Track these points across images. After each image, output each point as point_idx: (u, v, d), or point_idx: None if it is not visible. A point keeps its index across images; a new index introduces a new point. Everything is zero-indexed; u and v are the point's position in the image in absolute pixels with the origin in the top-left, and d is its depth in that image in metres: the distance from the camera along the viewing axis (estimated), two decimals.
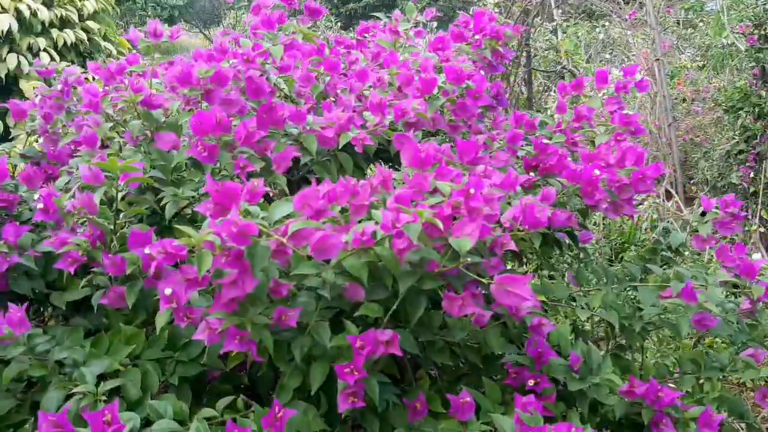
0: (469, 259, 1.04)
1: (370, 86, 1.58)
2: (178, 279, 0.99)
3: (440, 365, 1.39)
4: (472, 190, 1.08)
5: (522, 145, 1.59)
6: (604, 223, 3.83)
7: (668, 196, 4.44)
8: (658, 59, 5.02)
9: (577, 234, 1.62)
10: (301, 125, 1.36)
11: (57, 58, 4.30)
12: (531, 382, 1.23)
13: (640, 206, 3.88)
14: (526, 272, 2.36)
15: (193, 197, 1.33)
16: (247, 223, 0.93)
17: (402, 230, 1.04)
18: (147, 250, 1.08)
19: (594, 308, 1.45)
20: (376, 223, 1.08)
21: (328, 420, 1.17)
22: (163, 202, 1.33)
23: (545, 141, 1.56)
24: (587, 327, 1.76)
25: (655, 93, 5.08)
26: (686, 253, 1.55)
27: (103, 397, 1.05)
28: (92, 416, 0.91)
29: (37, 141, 1.81)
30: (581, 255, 2.02)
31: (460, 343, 1.27)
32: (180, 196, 1.33)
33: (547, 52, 5.19)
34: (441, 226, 1.04)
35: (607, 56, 6.70)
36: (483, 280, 1.06)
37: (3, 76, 4.11)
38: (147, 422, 1.05)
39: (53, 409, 1.07)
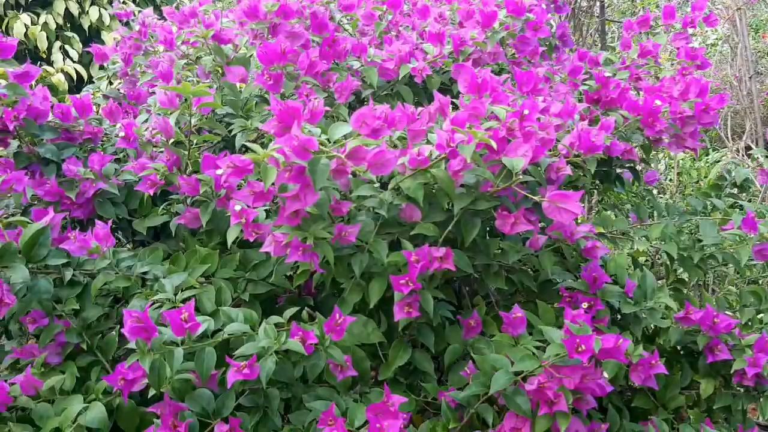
0: (521, 177, 1.07)
1: (432, 22, 1.61)
2: (246, 193, 1.06)
3: (496, 291, 1.43)
4: (526, 111, 1.11)
5: (584, 80, 1.60)
6: (680, 180, 3.74)
7: (748, 152, 4.27)
8: (739, 8, 4.79)
9: (641, 171, 1.62)
10: (362, 58, 1.40)
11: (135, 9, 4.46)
12: (585, 305, 1.25)
13: (718, 163, 3.75)
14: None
15: (259, 129, 1.40)
16: (307, 138, 0.98)
17: (456, 149, 1.07)
18: (219, 171, 1.16)
19: (653, 240, 1.45)
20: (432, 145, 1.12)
21: (386, 336, 1.24)
22: (233, 133, 1.41)
23: (607, 74, 1.55)
24: (646, 263, 1.75)
25: (736, 43, 4.85)
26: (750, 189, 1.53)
27: (181, 305, 1.14)
28: (171, 314, 1.00)
29: (118, 85, 1.92)
30: (647, 198, 2.01)
31: (516, 267, 1.30)
32: (248, 128, 1.40)
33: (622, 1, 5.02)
34: (495, 146, 1.07)
35: (687, 9, 6.43)
36: (535, 198, 1.09)
37: (86, 29, 4.31)
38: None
39: None
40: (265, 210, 1.21)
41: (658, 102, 1.39)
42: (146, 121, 1.52)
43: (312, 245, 1.08)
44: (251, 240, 1.14)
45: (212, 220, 1.29)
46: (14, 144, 1.45)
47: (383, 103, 1.46)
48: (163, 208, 1.45)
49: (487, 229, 1.35)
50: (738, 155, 4.05)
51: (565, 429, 1.03)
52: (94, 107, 1.58)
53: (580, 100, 1.55)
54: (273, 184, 0.99)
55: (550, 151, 1.22)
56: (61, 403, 1.14)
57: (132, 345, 1.02)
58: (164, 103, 1.22)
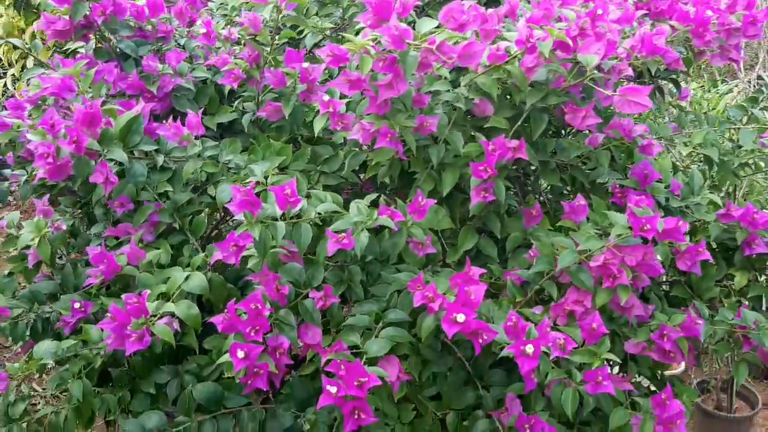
0: (596, 72, 1.16)
1: None
2: (341, 81, 1.14)
3: (548, 191, 1.54)
4: (599, 11, 1.18)
5: None
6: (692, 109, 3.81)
7: (760, 81, 4.33)
8: None
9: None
10: None
11: None
12: (635, 198, 1.35)
13: (729, 93, 3.82)
14: None
15: (331, 28, 1.46)
16: (405, 29, 1.06)
17: (535, 45, 1.15)
18: (305, 65, 1.24)
19: (695, 145, 1.55)
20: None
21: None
22: (303, 33, 1.48)
23: None
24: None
25: None
26: None
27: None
28: (276, 189, 1.09)
29: None
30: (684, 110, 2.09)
31: (571, 164, 1.40)
32: (318, 28, 1.47)
33: None
34: (570, 43, 1.15)
35: None
36: (607, 92, 1.17)
37: None
38: None
39: (227, 198, 1.27)
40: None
41: (709, 12, 1.46)
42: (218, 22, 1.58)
43: (398, 133, 1.17)
44: (338, 128, 1.23)
45: (291, 114, 1.37)
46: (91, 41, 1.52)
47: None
48: (231, 105, 1.53)
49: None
50: (750, 86, 4.11)
51: (625, 300, 1.15)
52: None
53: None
54: (371, 70, 1.07)
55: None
56: (161, 274, 1.24)
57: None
58: None
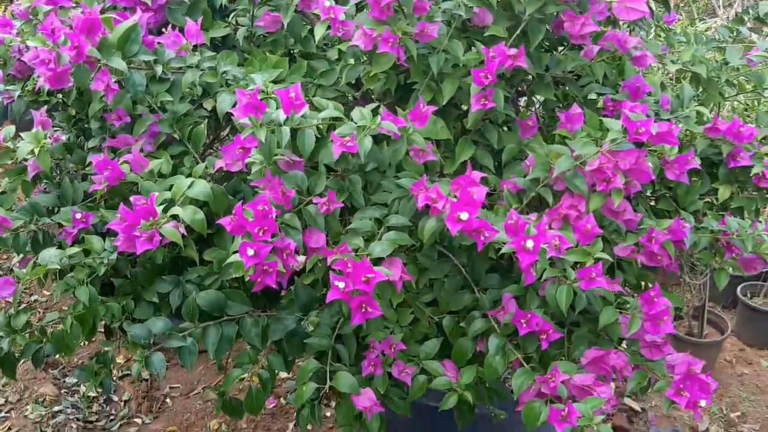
0: None
1: None
2: None
3: (541, 107, 1.57)
4: None
5: None
6: None
7: None
8: None
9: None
10: None
11: None
12: (630, 104, 1.38)
13: (708, 31, 3.85)
14: None
15: None
16: None
17: None
18: None
19: (684, 62, 1.58)
20: None
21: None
22: None
23: None
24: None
25: None
26: None
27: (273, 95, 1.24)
28: (281, 92, 1.10)
29: None
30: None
31: (566, 79, 1.43)
32: None
33: None
34: None
35: None
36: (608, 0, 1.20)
37: None
38: None
39: (227, 107, 1.28)
40: None
41: None
42: None
43: (400, 38, 1.19)
44: (339, 34, 1.24)
45: (289, 25, 1.37)
46: None
47: None
48: (224, 20, 1.53)
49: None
50: (728, 23, 4.15)
51: (618, 204, 1.19)
52: None
53: None
54: None
55: None
56: (163, 182, 1.26)
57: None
58: None
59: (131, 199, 1.13)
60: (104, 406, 2.69)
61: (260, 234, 1.09)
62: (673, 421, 2.72)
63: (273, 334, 1.29)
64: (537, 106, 1.57)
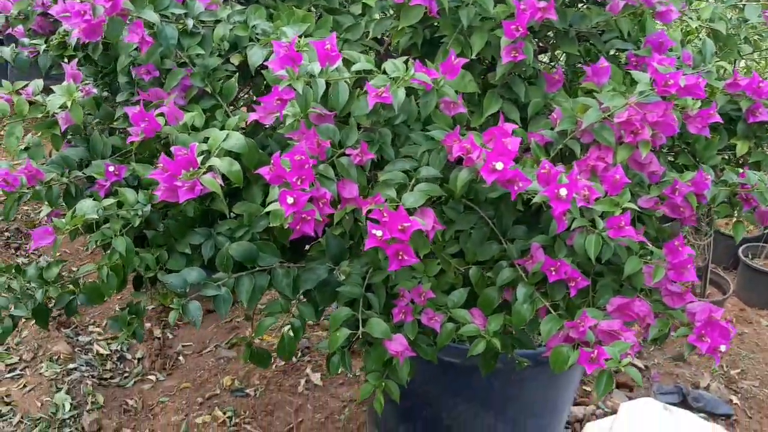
0: None
1: None
2: None
3: (564, 63, 1.58)
4: None
5: None
6: None
7: None
8: None
9: None
10: None
11: None
12: (657, 57, 1.40)
13: None
14: None
15: None
16: None
17: None
18: None
19: (704, 19, 1.59)
20: None
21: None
22: None
23: None
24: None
25: None
26: None
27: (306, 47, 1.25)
28: (316, 44, 1.12)
29: None
30: None
31: (590, 34, 1.44)
32: None
33: None
34: None
35: None
36: None
37: None
38: None
39: (259, 60, 1.30)
40: None
41: None
42: None
43: None
44: None
45: None
46: None
47: None
48: None
49: None
50: None
51: (646, 155, 1.22)
52: None
53: None
54: None
55: None
56: (197, 135, 1.28)
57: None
58: None
59: (172, 149, 1.14)
60: (118, 363, 2.74)
61: (298, 183, 1.11)
62: (675, 378, 2.79)
63: (305, 283, 1.32)
64: (560, 61, 1.59)
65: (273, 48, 1.29)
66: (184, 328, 2.89)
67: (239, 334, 2.89)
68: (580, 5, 1.54)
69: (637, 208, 1.21)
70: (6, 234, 3.27)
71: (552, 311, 1.21)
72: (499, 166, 1.07)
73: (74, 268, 2.80)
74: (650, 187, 1.34)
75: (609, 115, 1.23)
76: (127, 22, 1.24)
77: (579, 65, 1.57)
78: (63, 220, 1.21)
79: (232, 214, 1.36)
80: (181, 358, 2.76)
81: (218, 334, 2.88)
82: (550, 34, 1.44)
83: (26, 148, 1.44)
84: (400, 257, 1.09)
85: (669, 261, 1.23)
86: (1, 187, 1.29)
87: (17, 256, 3.18)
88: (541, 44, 1.56)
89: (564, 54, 1.52)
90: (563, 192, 1.07)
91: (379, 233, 1.08)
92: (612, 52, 1.53)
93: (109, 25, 1.21)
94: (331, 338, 1.23)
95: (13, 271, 1.40)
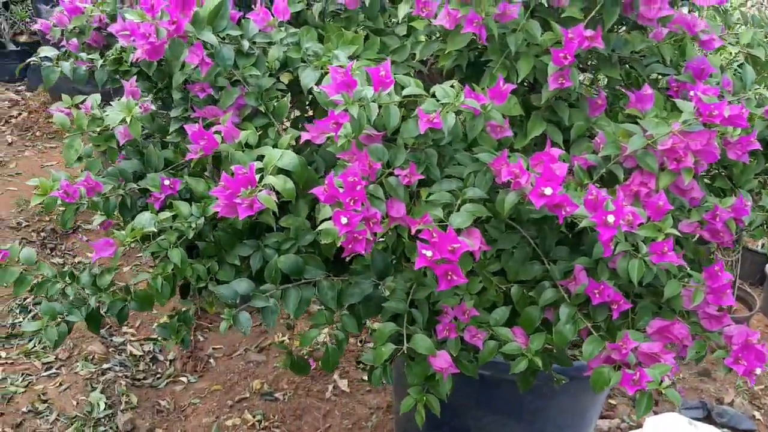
0: None
1: None
2: None
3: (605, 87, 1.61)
4: None
5: None
6: None
7: None
8: None
9: None
10: None
11: None
12: (692, 93, 1.44)
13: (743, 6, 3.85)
14: None
15: None
16: None
17: None
18: None
19: (743, 44, 1.62)
20: None
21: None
22: None
23: None
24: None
25: None
26: None
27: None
28: (372, 70, 1.16)
29: None
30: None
31: (631, 59, 1.47)
32: None
33: None
34: None
35: None
36: None
37: None
38: None
39: (312, 82, 1.34)
40: None
41: None
42: None
43: (483, 18, 1.24)
44: (422, 15, 1.29)
45: (371, 3, 1.42)
46: None
47: None
48: None
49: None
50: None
51: (688, 182, 1.25)
52: None
53: None
54: None
55: None
56: (252, 153, 1.32)
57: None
58: None
59: (232, 167, 1.19)
60: (150, 365, 2.80)
61: (351, 203, 1.15)
62: (700, 393, 2.80)
63: (350, 297, 1.36)
64: (600, 81, 1.62)
65: (324, 69, 1.34)
66: (215, 330, 2.94)
67: (268, 338, 2.94)
68: (620, 29, 1.57)
69: (679, 234, 1.24)
70: (42, 234, 3.35)
71: (594, 332, 1.24)
72: (548, 191, 1.11)
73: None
74: (690, 211, 1.37)
75: (652, 142, 1.26)
76: (186, 42, 1.29)
77: (619, 88, 1.60)
78: (123, 232, 1.26)
79: (278, 226, 1.40)
80: (211, 360, 2.82)
81: (248, 337, 2.93)
82: (593, 58, 1.47)
83: (79, 158, 1.49)
84: (449, 277, 1.13)
85: (708, 285, 1.26)
86: (61, 198, 1.34)
87: (53, 256, 3.25)
88: (581, 66, 1.59)
89: (605, 76, 1.55)
90: (611, 219, 1.11)
91: (429, 253, 1.12)
92: (652, 76, 1.55)
93: (171, 47, 1.26)
94: (376, 353, 1.27)
95: (68, 278, 1.46)
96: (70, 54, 1.64)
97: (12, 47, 4.66)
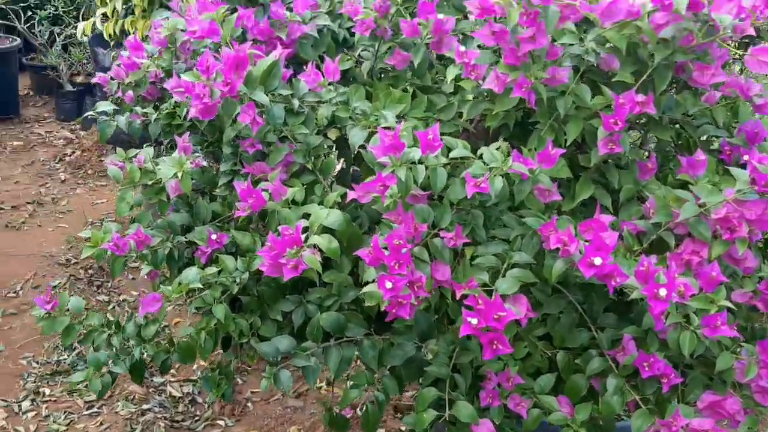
0: (729, 32, 1.20)
1: None
2: (486, 33, 1.20)
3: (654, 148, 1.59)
4: None
5: None
6: None
7: None
8: None
9: None
10: None
11: None
12: (745, 157, 1.40)
13: None
14: None
15: None
16: None
17: (670, 2, 1.20)
18: (440, 15, 1.29)
19: None
20: None
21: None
22: None
23: None
24: None
25: None
26: None
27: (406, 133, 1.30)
28: (421, 134, 1.17)
29: None
30: None
31: (683, 120, 1.45)
32: None
33: None
34: (705, 2, 1.20)
35: None
36: (739, 52, 1.22)
37: None
38: None
39: (360, 141, 1.35)
40: None
41: None
42: None
43: (532, 83, 1.23)
44: (471, 78, 1.29)
45: (419, 64, 1.44)
46: None
47: None
48: (345, 52, 1.60)
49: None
50: None
51: (743, 252, 1.21)
52: None
53: None
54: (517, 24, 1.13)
55: None
56: (298, 210, 1.33)
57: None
58: None
59: (279, 228, 1.20)
60: (189, 407, 2.80)
61: (396, 267, 1.15)
62: None
63: (392, 359, 1.35)
64: (650, 144, 1.60)
65: (372, 128, 1.35)
66: (254, 374, 2.94)
67: (305, 384, 2.92)
68: (671, 89, 1.55)
69: (732, 306, 1.20)
70: (90, 271, 3.42)
71: (642, 405, 1.20)
72: (598, 261, 1.09)
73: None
74: (744, 279, 1.33)
75: (705, 210, 1.23)
76: (239, 101, 1.32)
77: (670, 149, 1.58)
78: (169, 288, 1.28)
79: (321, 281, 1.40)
80: (249, 404, 2.81)
81: None
82: (643, 118, 1.45)
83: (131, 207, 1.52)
84: (494, 346, 1.11)
85: (762, 359, 1.22)
86: (111, 250, 1.37)
87: (99, 293, 3.31)
88: (630, 125, 1.57)
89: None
90: (662, 292, 1.08)
91: (474, 321, 1.10)
92: (703, 137, 1.53)
93: (224, 106, 1.29)
94: (417, 418, 1.25)
95: (114, 327, 1.48)
96: (124, 106, 1.69)
97: (69, 87, 4.83)
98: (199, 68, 1.25)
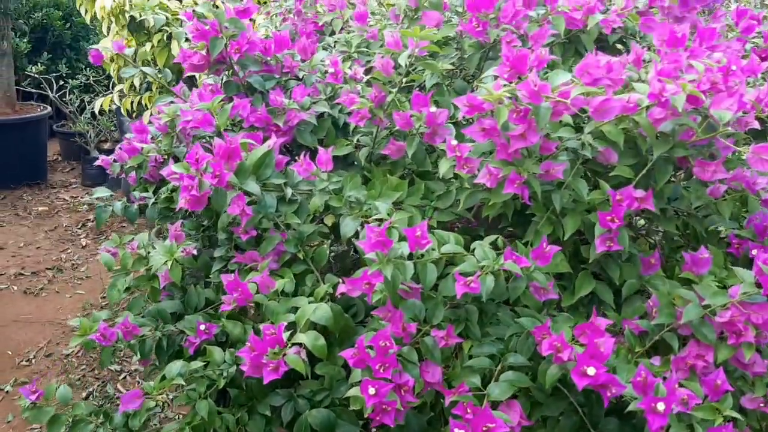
0: (729, 129, 1.16)
1: None
2: (476, 129, 1.17)
3: (662, 239, 1.53)
4: (734, 67, 1.18)
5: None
6: None
7: None
8: None
9: None
10: (551, 6, 1.48)
11: None
12: (753, 252, 1.34)
13: None
14: None
15: (450, 70, 1.50)
16: (543, 84, 1.09)
17: (667, 99, 1.17)
18: (432, 109, 1.28)
19: None
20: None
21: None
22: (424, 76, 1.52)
23: None
24: None
25: None
26: None
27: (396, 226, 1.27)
28: (408, 231, 1.13)
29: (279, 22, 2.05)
30: None
31: (688, 212, 1.40)
32: (438, 69, 1.51)
33: None
34: (703, 97, 1.16)
35: None
36: (737, 149, 1.18)
37: None
38: None
39: (350, 233, 1.32)
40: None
41: None
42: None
43: (525, 178, 1.20)
44: (464, 172, 1.26)
45: (414, 154, 1.42)
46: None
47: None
48: (345, 138, 1.60)
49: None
50: None
51: (749, 357, 1.14)
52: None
53: (744, 57, 1.61)
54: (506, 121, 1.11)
55: None
56: (287, 303, 1.30)
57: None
58: (391, 44, 1.34)
59: (261, 326, 1.17)
60: None
61: (381, 370, 1.10)
62: None
63: None
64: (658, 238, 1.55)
65: (365, 218, 1.32)
66: None
67: None
68: (676, 176, 1.50)
69: (739, 417, 1.12)
70: None
71: None
72: (591, 372, 1.03)
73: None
74: (754, 382, 1.25)
75: (710, 311, 1.17)
76: (230, 191, 1.30)
77: (677, 238, 1.52)
78: (152, 384, 1.24)
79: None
80: None
81: None
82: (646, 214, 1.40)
83: (127, 288, 1.50)
84: None
85: None
86: (98, 341, 1.34)
87: (111, 362, 3.28)
88: (632, 216, 1.52)
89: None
90: (661, 407, 1.01)
91: None
92: (711, 227, 1.47)
93: (214, 197, 1.28)
94: None
95: (102, 416, 1.44)
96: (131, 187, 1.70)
97: (95, 154, 4.94)
98: (188, 160, 1.24)
